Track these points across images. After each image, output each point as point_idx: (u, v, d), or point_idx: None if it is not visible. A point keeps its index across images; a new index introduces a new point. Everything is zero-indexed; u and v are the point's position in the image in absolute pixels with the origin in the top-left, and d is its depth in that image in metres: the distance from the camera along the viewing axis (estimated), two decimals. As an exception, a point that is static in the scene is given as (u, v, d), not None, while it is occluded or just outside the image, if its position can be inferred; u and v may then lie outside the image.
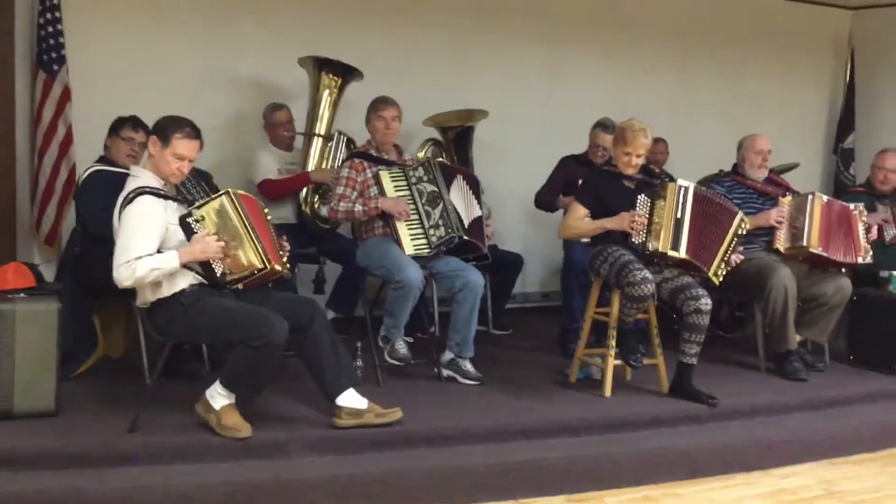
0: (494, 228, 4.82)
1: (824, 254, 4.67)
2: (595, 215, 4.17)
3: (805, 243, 4.65)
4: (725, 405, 4.06)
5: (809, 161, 7.26)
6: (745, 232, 4.17)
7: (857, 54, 7.35)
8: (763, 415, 4.15)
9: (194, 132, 3.43)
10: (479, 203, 4.46)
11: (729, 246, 4.11)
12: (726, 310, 5.48)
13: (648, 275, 3.90)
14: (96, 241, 3.51)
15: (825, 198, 4.81)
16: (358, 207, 4.24)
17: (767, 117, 6.93)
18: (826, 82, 7.51)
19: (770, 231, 4.75)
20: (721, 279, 4.12)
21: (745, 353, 5.00)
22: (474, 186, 4.48)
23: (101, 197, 3.75)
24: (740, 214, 4.16)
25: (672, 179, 4.26)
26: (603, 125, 5.12)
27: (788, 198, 4.81)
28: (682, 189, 4.07)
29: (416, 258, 4.19)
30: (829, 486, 3.71)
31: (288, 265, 3.56)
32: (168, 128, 3.39)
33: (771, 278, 4.55)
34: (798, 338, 4.68)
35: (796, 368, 4.59)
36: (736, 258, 4.18)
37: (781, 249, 4.72)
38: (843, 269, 4.80)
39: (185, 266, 3.33)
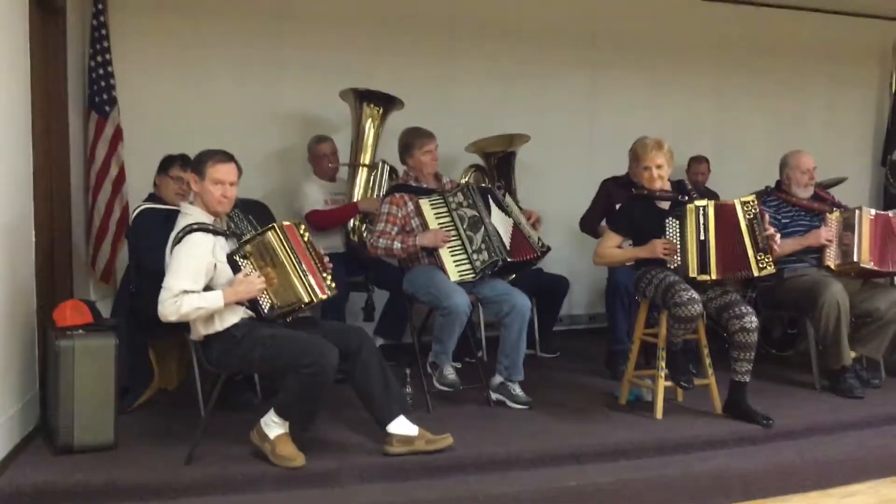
0: (539, 218, 4.80)
1: (876, 268, 4.60)
2: (635, 241, 4.15)
3: (856, 259, 4.59)
4: (780, 425, 4.00)
5: (858, 174, 7.15)
6: (756, 212, 4.03)
7: (903, 65, 7.25)
8: (819, 434, 4.08)
9: (226, 156, 3.50)
10: (507, 212, 4.44)
11: (753, 236, 4.00)
12: (778, 327, 5.40)
13: (695, 295, 3.87)
14: (150, 277, 3.60)
15: (872, 211, 4.73)
16: (397, 245, 4.28)
17: (813, 131, 6.86)
18: (872, 94, 7.40)
19: (820, 249, 4.69)
20: (770, 266, 3.99)
21: (799, 370, 4.92)
22: (497, 199, 4.48)
23: (151, 234, 3.85)
24: (737, 201, 4.06)
25: (715, 197, 4.23)
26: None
27: (836, 213, 4.74)
28: (701, 209, 4.03)
29: (461, 284, 4.22)
30: (891, 504, 3.64)
31: (333, 284, 3.59)
32: (200, 161, 3.49)
33: (823, 294, 4.48)
34: (853, 354, 4.59)
35: (852, 386, 4.51)
36: (773, 240, 4.04)
37: (832, 266, 4.65)
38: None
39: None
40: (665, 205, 4.15)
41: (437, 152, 4.47)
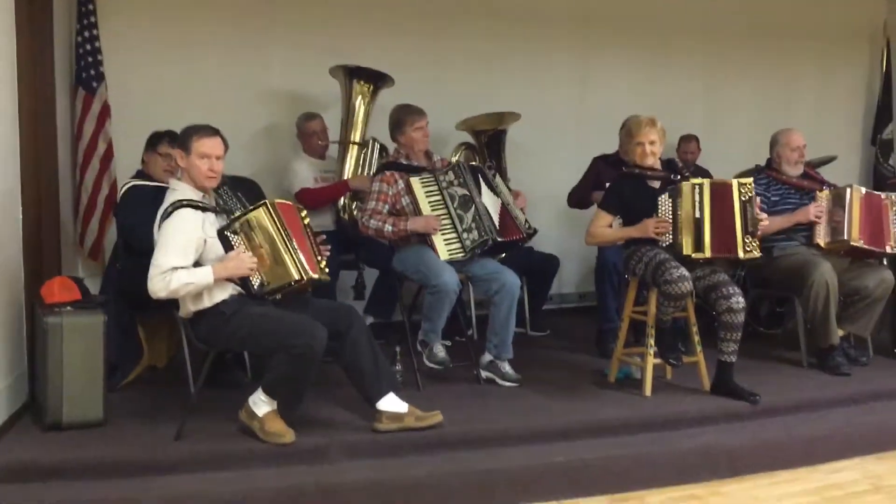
0: (525, 201, 4.80)
1: (866, 246, 4.62)
2: (626, 219, 4.16)
3: (846, 237, 4.60)
4: (767, 402, 4.02)
5: (847, 153, 7.14)
6: (751, 195, 4.03)
7: (894, 44, 7.23)
8: (806, 410, 4.11)
9: (211, 130, 3.48)
10: (496, 191, 4.44)
11: (744, 218, 4.01)
12: (767, 306, 5.42)
13: (685, 272, 3.88)
14: (138, 254, 3.58)
15: (863, 190, 4.75)
16: (388, 227, 4.26)
17: (802, 110, 6.86)
18: (862, 72, 7.40)
19: (809, 226, 4.70)
20: (756, 251, 4.01)
21: (787, 348, 4.95)
22: (486, 178, 4.47)
23: (140, 212, 3.83)
24: (734, 182, 4.07)
25: (706, 175, 4.23)
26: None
27: (826, 192, 4.75)
28: (697, 187, 4.03)
29: (451, 262, 4.22)
30: (877, 480, 3.66)
31: (327, 270, 3.60)
32: (186, 135, 3.47)
33: (812, 274, 4.50)
34: (840, 332, 4.62)
35: (839, 363, 4.53)
36: (762, 223, 4.05)
37: (822, 244, 4.67)
38: (885, 261, 4.73)
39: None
40: (656, 183, 4.15)
41: (428, 129, 4.46)
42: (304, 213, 3.65)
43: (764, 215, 4.12)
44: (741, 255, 4.01)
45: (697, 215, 4.00)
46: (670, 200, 4.05)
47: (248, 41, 5.54)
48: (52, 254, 4.44)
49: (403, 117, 4.43)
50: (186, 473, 3.27)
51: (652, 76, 6.53)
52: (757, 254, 4.04)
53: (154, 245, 3.39)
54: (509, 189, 4.72)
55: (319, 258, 3.58)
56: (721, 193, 4.04)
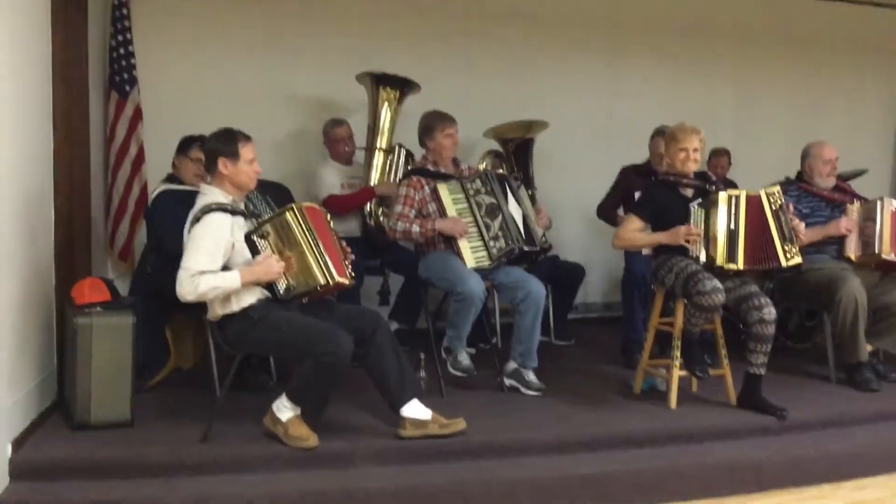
0: (548, 221, 4.81)
1: (897, 260, 4.57)
2: (656, 227, 4.14)
3: (877, 250, 4.56)
4: (795, 417, 3.99)
5: (878, 166, 7.07)
6: (780, 202, 4.02)
7: (926, 57, 7.17)
8: (834, 427, 4.06)
9: (246, 135, 3.54)
10: (519, 202, 4.44)
11: (779, 227, 4.00)
12: (795, 319, 5.37)
13: (718, 284, 3.85)
14: (169, 259, 3.61)
15: (895, 203, 4.70)
16: (415, 228, 4.28)
17: (833, 122, 6.80)
18: (894, 86, 7.32)
19: (840, 239, 4.66)
20: (798, 257, 4.00)
21: (815, 363, 4.90)
22: (512, 187, 4.47)
23: (171, 216, 3.85)
24: (762, 192, 4.05)
25: (734, 188, 4.21)
26: (663, 133, 5.08)
27: (857, 205, 4.71)
28: (734, 198, 4.01)
29: (477, 270, 4.22)
30: (905, 499, 3.62)
31: (353, 274, 3.61)
32: (230, 141, 3.49)
33: (841, 289, 4.45)
34: (869, 348, 4.57)
35: (868, 379, 4.48)
36: (798, 230, 4.06)
37: (852, 258, 4.63)
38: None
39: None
40: (689, 193, 4.14)
41: (457, 137, 4.47)
42: (328, 215, 3.67)
43: (797, 219, 4.12)
44: (784, 262, 3.98)
45: (732, 227, 3.98)
46: (702, 210, 4.03)
47: (278, 47, 5.59)
48: (82, 255, 4.49)
49: (433, 123, 4.44)
50: (211, 475, 3.29)
51: (682, 87, 6.50)
52: (799, 259, 4.02)
53: (183, 249, 3.42)
54: (533, 202, 4.72)
55: (346, 263, 3.60)
56: (753, 205, 4.02)
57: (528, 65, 6.14)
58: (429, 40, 5.86)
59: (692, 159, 4.10)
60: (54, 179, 3.92)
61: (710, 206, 4.03)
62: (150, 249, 4.21)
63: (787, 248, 3.99)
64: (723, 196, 4.02)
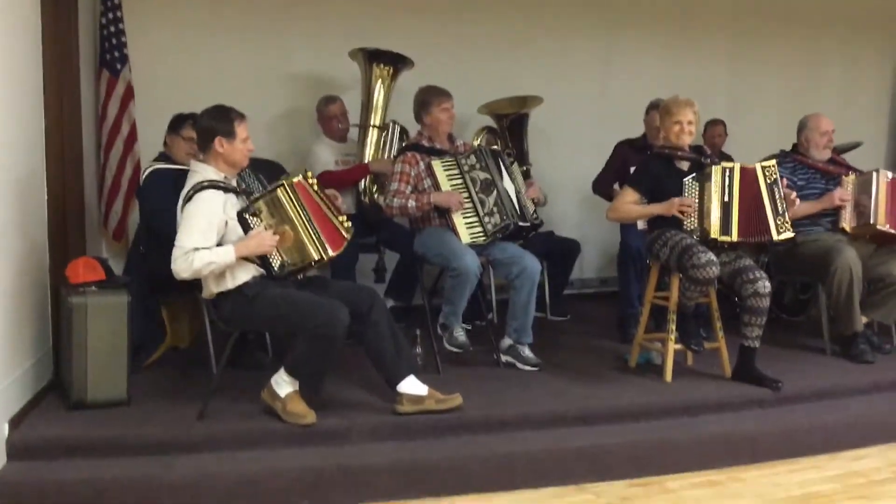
0: (542, 197, 4.80)
1: (892, 230, 4.57)
2: (650, 200, 4.14)
3: (872, 221, 4.57)
4: (790, 389, 4.00)
5: (873, 139, 7.06)
6: (775, 175, 4.04)
7: (922, 29, 7.14)
8: (829, 398, 4.08)
9: (240, 113, 3.53)
10: (511, 177, 4.43)
11: (772, 200, 4.00)
12: (790, 292, 5.38)
13: (713, 257, 3.85)
14: (160, 238, 3.60)
15: (889, 174, 4.70)
16: (411, 203, 4.27)
17: (828, 96, 6.77)
18: (889, 59, 7.29)
19: (835, 211, 4.67)
20: (789, 230, 4.01)
21: (810, 335, 4.91)
22: (505, 162, 4.46)
23: (161, 196, 3.84)
24: (757, 165, 4.06)
25: (729, 161, 4.21)
26: (658, 106, 5.06)
27: (852, 177, 4.72)
28: (728, 171, 4.02)
29: (472, 246, 4.21)
30: (899, 469, 3.65)
31: (349, 224, 3.57)
32: (225, 122, 3.46)
33: (835, 260, 4.46)
34: (864, 319, 4.58)
35: (862, 350, 4.50)
36: (791, 202, 4.08)
37: (847, 229, 4.64)
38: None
39: (245, 258, 3.40)
40: (684, 166, 4.13)
41: (453, 111, 4.45)
42: (310, 174, 3.57)
43: (793, 193, 4.12)
44: (775, 236, 3.99)
45: (726, 199, 3.98)
46: (696, 184, 4.04)
47: (270, 24, 5.54)
48: (76, 234, 4.47)
49: (429, 98, 4.42)
50: (209, 453, 3.30)
51: (676, 61, 6.47)
52: (791, 234, 4.03)
53: (176, 229, 3.41)
54: (528, 178, 4.70)
55: (340, 218, 3.56)
56: (748, 178, 4.03)
57: (523, 40, 6.10)
58: (423, 16, 5.82)
59: (686, 132, 4.09)
60: (46, 159, 3.89)
61: (704, 179, 4.03)
62: (143, 230, 4.19)
63: (779, 221, 4.00)
64: (717, 169, 4.02)
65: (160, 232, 3.71)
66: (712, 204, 3.98)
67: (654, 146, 4.85)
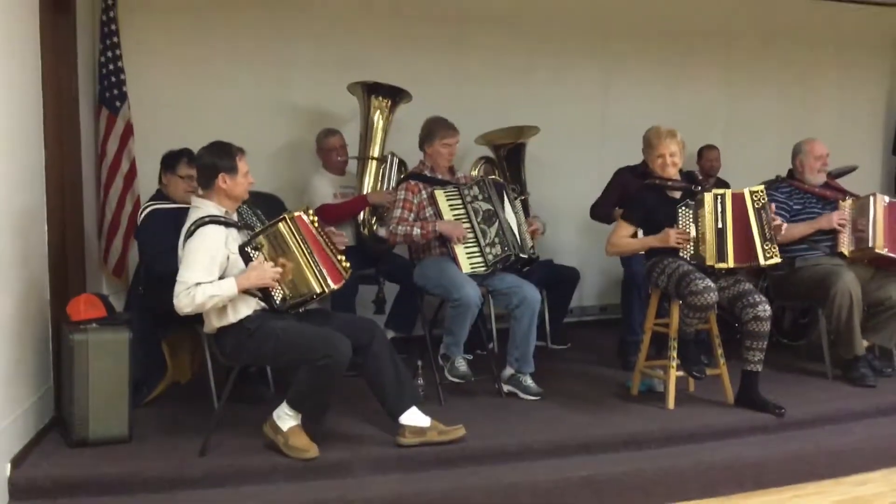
0: (542, 227, 4.83)
1: (891, 254, 4.59)
2: (647, 230, 4.15)
3: (870, 245, 4.59)
4: (793, 414, 4.00)
5: (869, 163, 7.11)
6: (764, 201, 4.04)
7: (914, 52, 7.21)
8: (832, 423, 4.08)
9: (240, 148, 3.57)
10: (514, 209, 4.46)
11: (760, 225, 4.01)
12: (790, 317, 5.39)
13: (711, 283, 3.86)
14: (163, 279, 3.59)
15: (886, 199, 4.73)
16: (416, 231, 4.29)
17: (824, 120, 6.82)
18: (883, 82, 7.34)
19: (833, 236, 4.68)
20: (776, 256, 4.01)
21: (811, 360, 4.92)
22: (508, 193, 4.50)
23: (161, 236, 3.83)
24: (746, 190, 4.07)
25: (725, 186, 4.23)
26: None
27: (849, 201, 4.74)
28: (719, 197, 4.03)
29: (472, 276, 4.23)
30: (904, 493, 3.63)
31: (347, 265, 3.58)
32: (227, 158, 3.50)
33: (835, 284, 4.47)
34: (865, 343, 4.59)
35: (864, 374, 4.50)
36: (778, 230, 4.07)
37: (846, 253, 4.65)
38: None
39: (246, 292, 3.41)
40: (677, 194, 4.15)
41: (455, 148, 4.48)
42: (310, 211, 3.59)
43: (779, 219, 4.13)
44: (762, 261, 4.00)
45: (720, 225, 4.00)
46: (690, 212, 4.05)
47: (269, 58, 5.59)
48: (76, 271, 4.49)
49: (435, 129, 4.45)
50: (211, 488, 3.29)
51: (673, 87, 6.52)
52: (777, 259, 4.03)
53: (179, 264, 3.42)
54: (526, 206, 4.73)
55: (339, 257, 3.58)
56: (739, 203, 4.04)
57: (521, 70, 6.15)
58: (420, 48, 5.87)
59: (670, 163, 4.12)
60: (46, 196, 3.91)
61: (697, 206, 4.05)
62: (143, 270, 4.20)
63: (766, 246, 4.01)
64: (708, 196, 4.04)
65: (162, 275, 3.65)
66: (706, 231, 3.99)
67: (651, 174, 4.88)
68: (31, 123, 3.76)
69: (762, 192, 4.08)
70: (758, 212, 4.03)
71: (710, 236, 3.99)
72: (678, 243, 4.02)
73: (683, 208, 4.07)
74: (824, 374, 4.65)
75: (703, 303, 3.84)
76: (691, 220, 4.05)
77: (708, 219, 4.01)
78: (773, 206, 4.17)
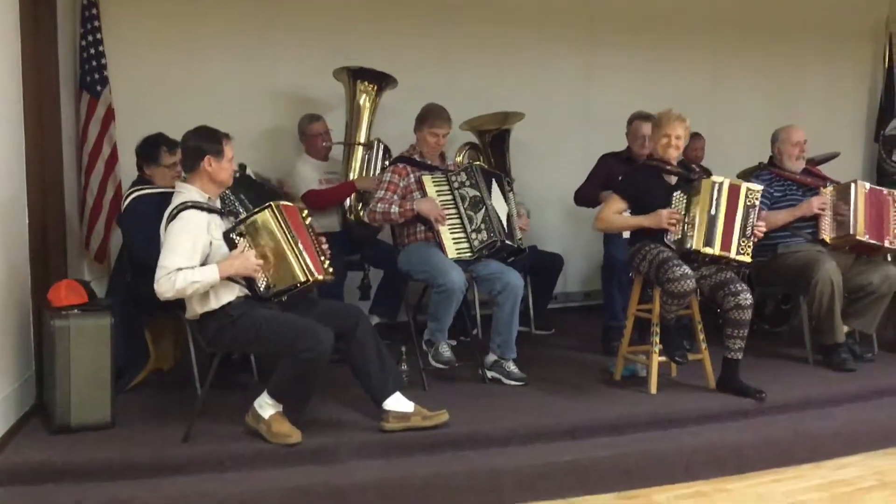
0: (528, 223, 4.84)
1: (872, 241, 4.62)
2: (634, 210, 4.16)
3: (851, 231, 4.61)
4: (773, 399, 4.03)
5: (852, 149, 7.14)
6: (756, 201, 4.07)
7: (896, 39, 7.25)
8: (812, 407, 4.11)
9: (226, 133, 3.55)
10: (507, 200, 4.47)
11: (744, 220, 4.03)
12: (771, 303, 5.42)
13: (688, 270, 3.88)
14: (149, 267, 3.56)
15: (867, 185, 4.76)
16: (394, 209, 4.29)
17: (806, 107, 6.83)
18: (866, 70, 7.38)
19: (814, 223, 4.71)
20: (749, 255, 4.04)
21: (792, 345, 4.95)
22: (502, 185, 4.50)
23: (144, 225, 3.80)
24: (744, 186, 4.10)
25: (710, 175, 4.25)
26: (641, 116, 5.13)
27: (830, 188, 4.77)
28: (717, 185, 4.05)
29: (457, 262, 4.23)
30: (883, 476, 3.67)
31: (331, 270, 3.61)
32: (214, 142, 3.48)
33: (816, 271, 4.50)
34: (846, 329, 4.62)
35: (844, 359, 4.54)
36: (759, 230, 4.09)
37: (827, 240, 4.68)
38: (890, 257, 4.74)
39: (229, 279, 3.40)
40: (672, 180, 4.17)
41: (443, 140, 4.46)
42: (305, 212, 3.66)
43: (762, 224, 4.15)
44: (732, 254, 4.01)
45: (713, 212, 4.01)
46: (685, 196, 4.06)
47: (253, 43, 5.55)
48: (58, 257, 4.45)
49: (426, 116, 4.45)
50: (194, 474, 3.29)
51: (657, 74, 6.52)
52: (747, 259, 4.06)
53: (161, 247, 3.40)
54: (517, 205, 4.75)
55: (323, 258, 3.59)
56: (733, 194, 4.06)
57: (505, 56, 6.13)
58: (405, 34, 5.84)
59: (674, 146, 4.12)
60: (27, 182, 3.88)
61: (693, 192, 4.06)
62: (126, 257, 4.17)
63: (742, 242, 4.03)
64: (706, 182, 4.05)
65: (148, 263, 3.58)
66: (697, 216, 4.01)
67: (638, 158, 4.89)
68: (10, 109, 3.72)
69: (757, 192, 4.10)
70: (746, 208, 4.05)
71: (699, 221, 4.00)
72: (670, 225, 4.02)
73: (678, 193, 4.08)
74: (805, 360, 4.69)
75: (679, 290, 3.85)
76: (684, 205, 4.05)
77: (702, 205, 4.01)
78: (764, 213, 4.16)
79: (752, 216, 4.05)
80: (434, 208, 4.28)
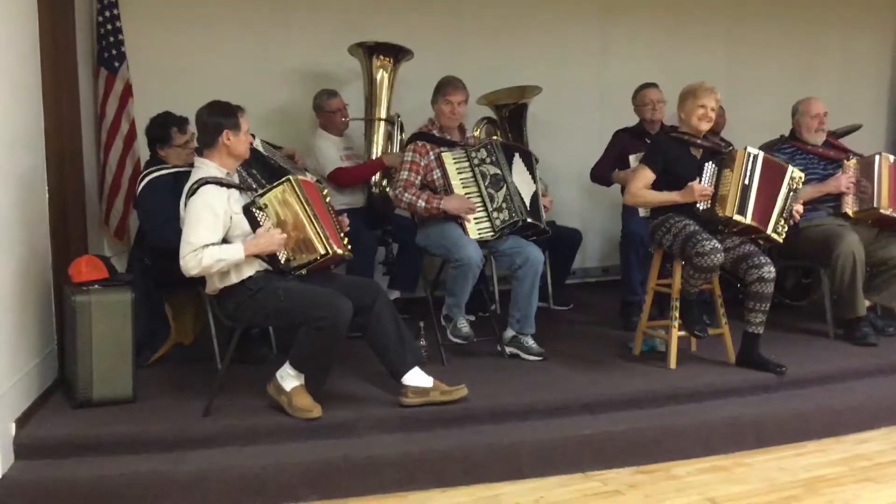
0: (552, 201, 4.82)
1: (895, 214, 4.57)
2: (660, 180, 4.11)
3: (875, 205, 4.57)
4: (794, 373, 4.01)
5: (873, 121, 7.04)
6: (799, 186, 4.07)
7: (919, 9, 7.12)
8: (833, 381, 4.09)
9: (240, 106, 3.56)
10: (535, 178, 4.45)
11: (785, 201, 4.02)
12: (793, 277, 5.38)
13: (717, 244, 3.85)
14: (157, 247, 3.57)
15: (892, 157, 4.70)
16: (421, 203, 4.24)
17: (827, 78, 6.75)
18: (887, 40, 7.27)
19: (837, 196, 4.66)
20: (783, 236, 4.03)
21: (813, 320, 4.92)
22: (528, 161, 4.47)
23: (160, 207, 3.81)
24: (791, 169, 4.07)
25: (729, 145, 4.21)
26: (644, 85, 5.14)
27: (854, 161, 4.71)
28: (752, 156, 4.01)
29: (480, 242, 4.20)
30: (905, 450, 3.65)
31: (349, 247, 3.61)
32: (231, 116, 3.48)
33: (838, 245, 4.46)
34: (867, 303, 4.59)
35: (866, 333, 4.51)
36: (796, 213, 4.09)
37: (850, 213, 4.64)
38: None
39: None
40: (698, 153, 4.12)
41: (459, 108, 4.40)
42: (325, 191, 3.67)
43: (800, 207, 4.13)
44: (769, 231, 3.99)
45: (746, 182, 3.97)
46: (716, 167, 4.02)
47: (268, 19, 5.54)
48: (78, 233, 4.47)
49: (441, 87, 4.40)
50: (216, 448, 3.32)
51: (673, 47, 6.45)
52: (780, 240, 4.04)
53: (178, 242, 3.40)
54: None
55: (342, 235, 3.60)
56: (774, 171, 4.03)
57: (521, 30, 6.09)
58: (419, 9, 5.80)
59: (708, 118, 4.08)
60: (46, 158, 3.89)
61: (726, 163, 4.01)
62: (142, 237, 4.19)
63: (780, 223, 4.01)
64: (740, 152, 4.02)
65: (165, 246, 3.62)
66: (731, 185, 3.96)
67: (650, 127, 4.84)
68: (29, 86, 3.73)
69: (800, 179, 4.10)
70: (790, 192, 4.04)
71: (733, 191, 3.95)
72: (702, 198, 3.98)
73: (710, 165, 4.03)
74: (826, 334, 4.66)
75: (709, 264, 3.82)
76: (715, 177, 4.01)
77: (735, 174, 3.97)
78: (801, 204, 4.17)
79: (792, 199, 4.05)
80: (462, 204, 4.23)
